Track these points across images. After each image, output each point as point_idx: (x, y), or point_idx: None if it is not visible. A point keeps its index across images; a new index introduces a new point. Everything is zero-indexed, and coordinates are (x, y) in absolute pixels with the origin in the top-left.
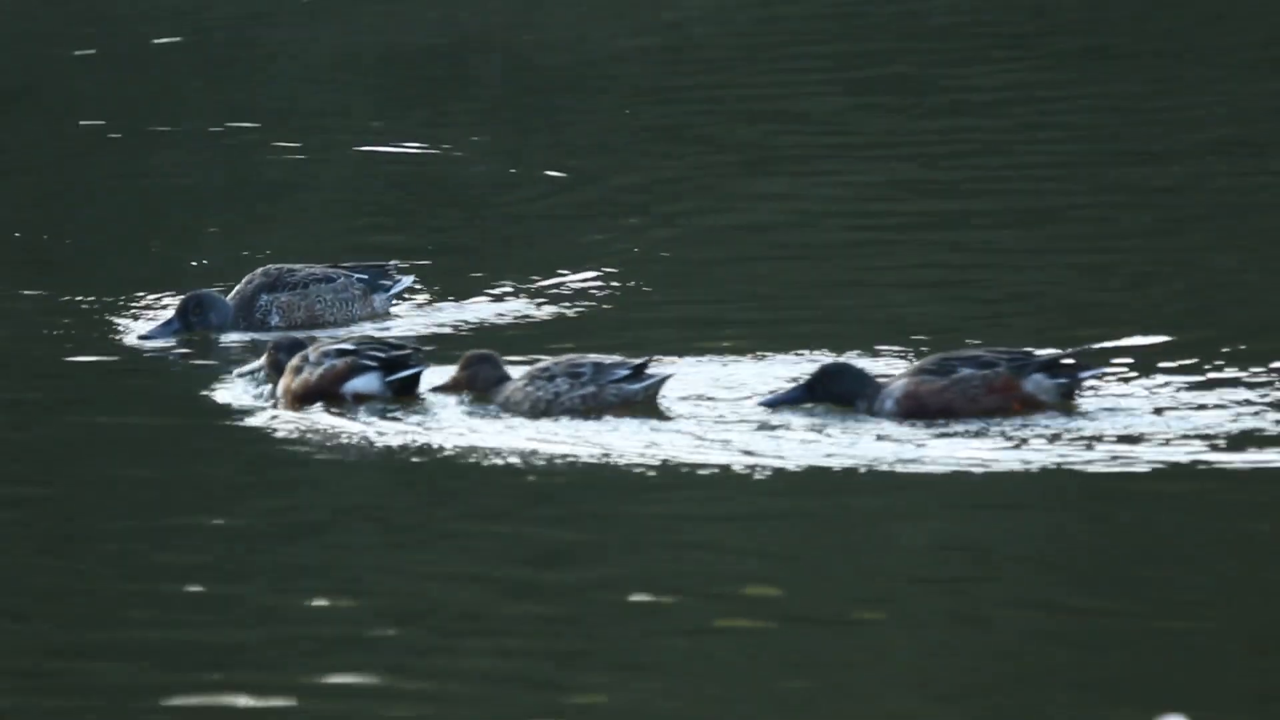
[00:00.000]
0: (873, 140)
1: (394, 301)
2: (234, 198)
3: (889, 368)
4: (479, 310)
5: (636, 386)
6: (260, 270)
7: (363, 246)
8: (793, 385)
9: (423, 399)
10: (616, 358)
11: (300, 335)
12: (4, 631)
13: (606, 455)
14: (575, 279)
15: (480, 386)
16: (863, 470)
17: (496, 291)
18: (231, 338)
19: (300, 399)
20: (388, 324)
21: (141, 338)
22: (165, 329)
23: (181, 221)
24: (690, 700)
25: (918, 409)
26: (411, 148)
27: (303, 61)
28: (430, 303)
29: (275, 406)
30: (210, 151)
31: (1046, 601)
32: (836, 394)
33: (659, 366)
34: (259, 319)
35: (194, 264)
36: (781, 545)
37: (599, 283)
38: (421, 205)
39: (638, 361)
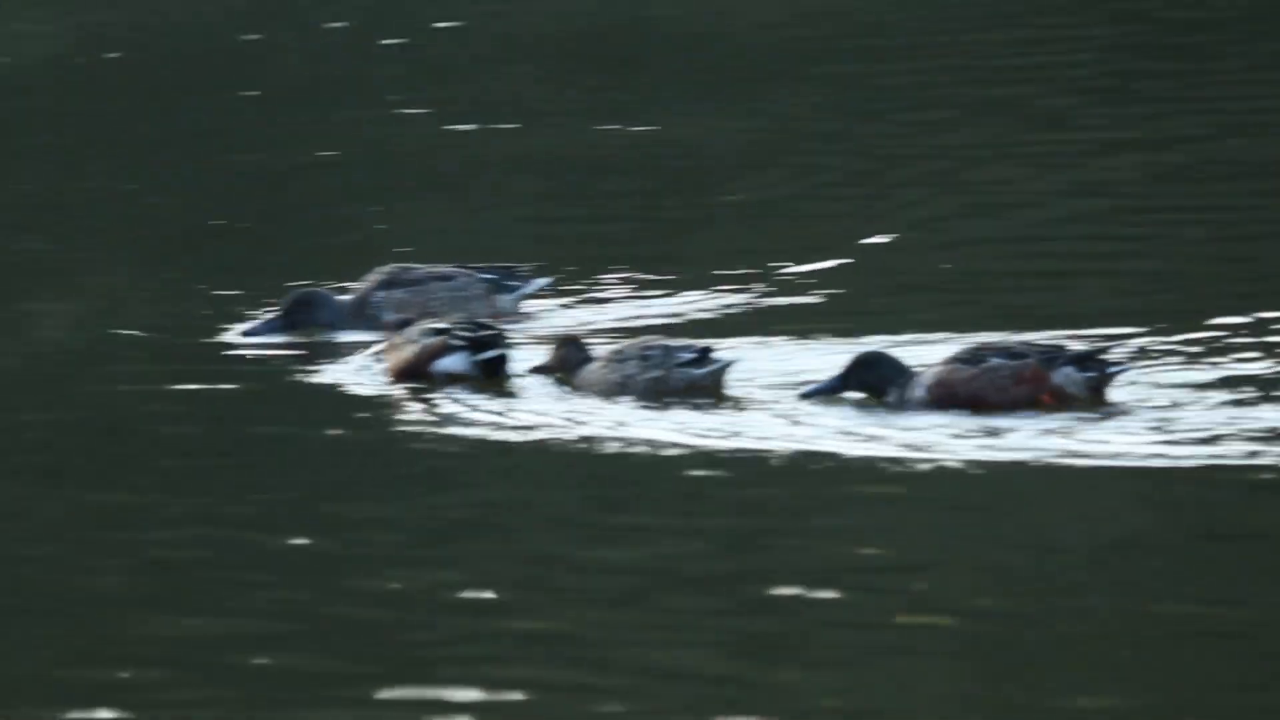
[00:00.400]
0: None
1: (524, 301)
2: (428, 183)
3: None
4: (686, 298)
5: (701, 371)
6: (381, 269)
7: (569, 234)
8: (830, 376)
9: (512, 380)
10: (685, 341)
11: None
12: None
13: (763, 444)
14: (791, 265)
15: (568, 369)
16: (1020, 462)
17: (713, 276)
18: (344, 335)
19: (400, 376)
20: (600, 312)
21: (245, 334)
22: (269, 326)
23: (376, 207)
24: (871, 693)
25: (948, 397)
26: (610, 128)
27: (474, 44)
28: (638, 291)
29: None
30: (402, 136)
31: (1213, 595)
32: (870, 383)
33: (723, 352)
34: (372, 316)
35: (398, 250)
36: (948, 537)
37: (816, 270)
38: (626, 188)
39: (703, 345)
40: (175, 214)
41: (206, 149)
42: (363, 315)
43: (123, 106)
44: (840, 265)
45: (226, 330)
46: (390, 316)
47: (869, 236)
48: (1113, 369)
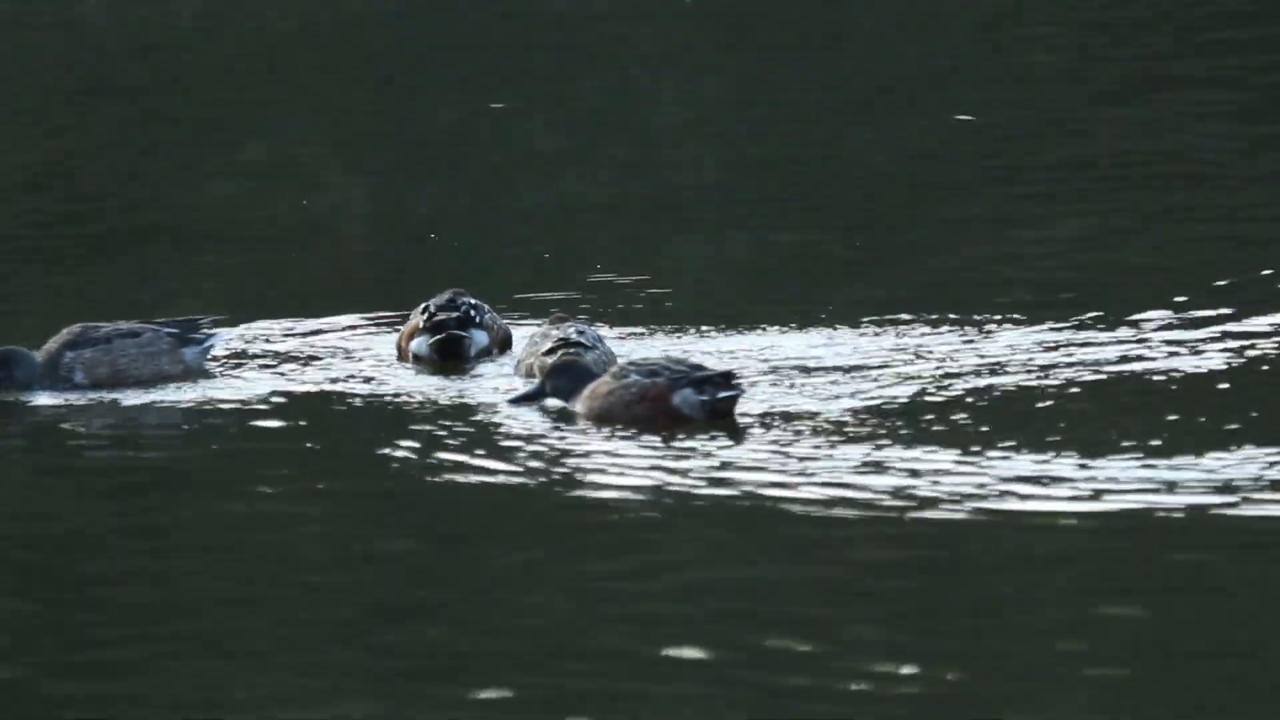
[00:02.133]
0: None
1: (207, 356)
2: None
3: None
4: None
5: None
6: (66, 330)
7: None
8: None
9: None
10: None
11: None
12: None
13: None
14: None
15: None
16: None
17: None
18: (38, 397)
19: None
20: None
21: None
22: None
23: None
24: None
25: (588, 411)
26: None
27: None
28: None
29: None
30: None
31: None
32: (560, 390)
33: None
34: (64, 376)
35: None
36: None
37: None
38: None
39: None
40: None
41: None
42: (56, 376)
43: None
44: None
45: None
46: (81, 377)
47: None
48: (724, 394)
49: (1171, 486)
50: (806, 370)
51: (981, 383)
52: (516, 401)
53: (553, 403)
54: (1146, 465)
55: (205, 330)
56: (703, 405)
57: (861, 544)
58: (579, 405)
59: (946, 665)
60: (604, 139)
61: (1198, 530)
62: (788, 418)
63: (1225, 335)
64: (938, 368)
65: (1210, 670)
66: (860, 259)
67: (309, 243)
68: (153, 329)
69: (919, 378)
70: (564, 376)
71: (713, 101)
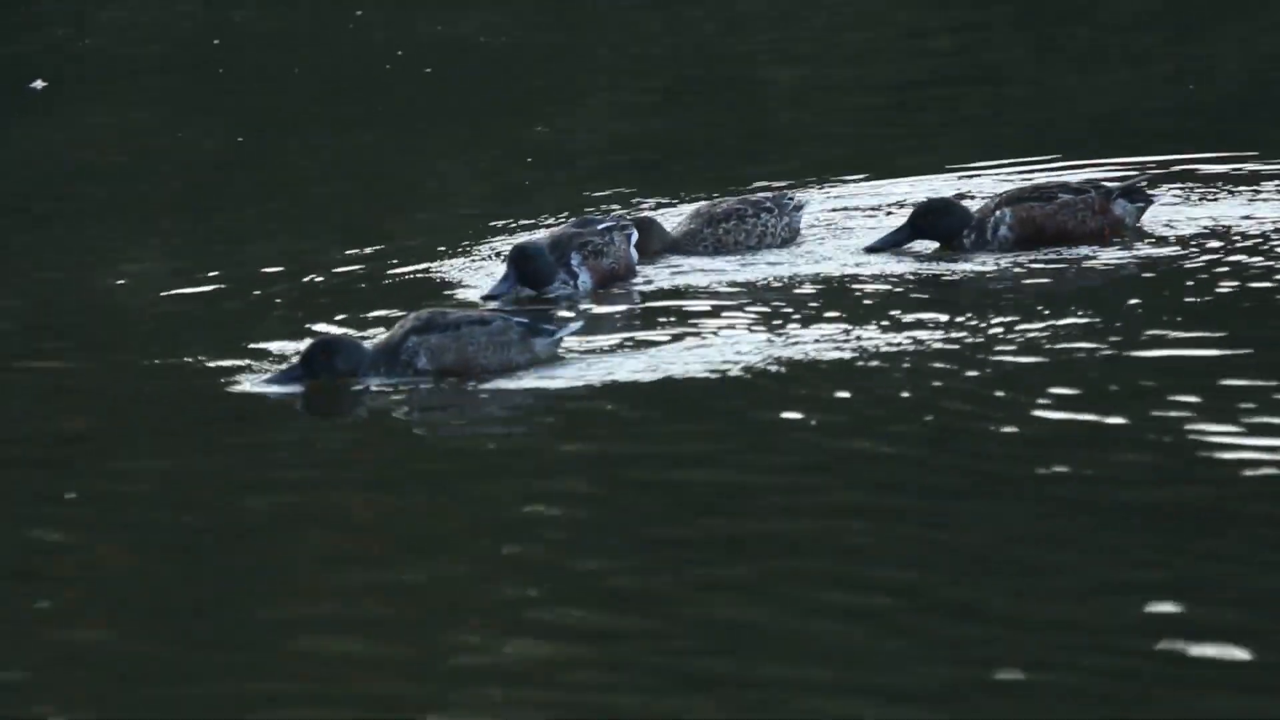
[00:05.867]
0: None
1: (558, 348)
2: None
3: None
4: None
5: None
6: (412, 315)
7: None
8: (894, 228)
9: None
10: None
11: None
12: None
13: None
14: None
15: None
16: None
17: None
18: (372, 383)
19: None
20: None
21: (268, 381)
22: (287, 376)
23: None
24: None
25: (1035, 234)
26: None
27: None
28: None
29: None
30: None
31: None
32: (942, 231)
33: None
34: (406, 361)
35: None
36: None
37: None
38: None
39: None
40: None
41: None
42: (395, 361)
43: None
44: None
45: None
46: (425, 363)
47: None
48: (1143, 200)
49: None
50: None
51: None
52: (876, 249)
53: (921, 244)
54: None
55: (555, 324)
56: (1139, 212)
57: None
58: (999, 231)
59: None
60: None
61: None
62: None
63: None
64: None
65: None
66: None
67: None
68: (503, 318)
69: None
70: (944, 215)
71: None
